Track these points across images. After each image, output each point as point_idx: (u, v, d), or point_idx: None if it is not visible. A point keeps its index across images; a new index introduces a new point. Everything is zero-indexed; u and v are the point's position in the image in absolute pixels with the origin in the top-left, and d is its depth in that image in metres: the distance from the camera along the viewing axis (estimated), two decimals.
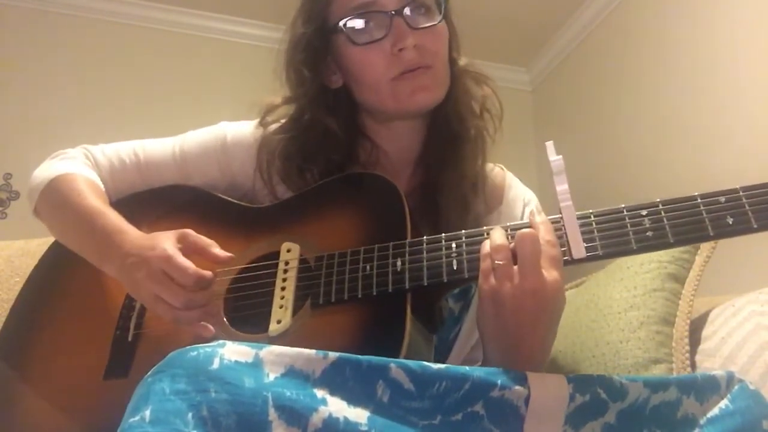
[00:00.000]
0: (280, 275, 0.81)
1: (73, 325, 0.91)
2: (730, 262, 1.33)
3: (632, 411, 0.62)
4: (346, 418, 0.54)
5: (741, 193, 0.66)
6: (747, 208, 0.65)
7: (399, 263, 0.76)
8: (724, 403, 0.62)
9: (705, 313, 1.09)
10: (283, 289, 0.80)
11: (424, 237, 0.77)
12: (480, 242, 0.72)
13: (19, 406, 0.86)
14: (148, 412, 0.52)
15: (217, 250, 0.80)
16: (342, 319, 0.76)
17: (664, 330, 1.05)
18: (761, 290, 1.02)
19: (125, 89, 2.52)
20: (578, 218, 0.69)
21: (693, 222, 0.67)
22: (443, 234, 0.77)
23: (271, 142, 0.97)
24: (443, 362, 0.75)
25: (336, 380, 0.57)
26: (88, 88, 2.47)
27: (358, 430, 0.54)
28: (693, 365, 1.02)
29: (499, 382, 0.59)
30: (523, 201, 1.01)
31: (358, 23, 0.88)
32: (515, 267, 0.66)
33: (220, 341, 0.58)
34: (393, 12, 0.87)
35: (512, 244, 0.68)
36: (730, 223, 0.65)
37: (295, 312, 0.78)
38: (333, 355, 0.58)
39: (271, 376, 0.55)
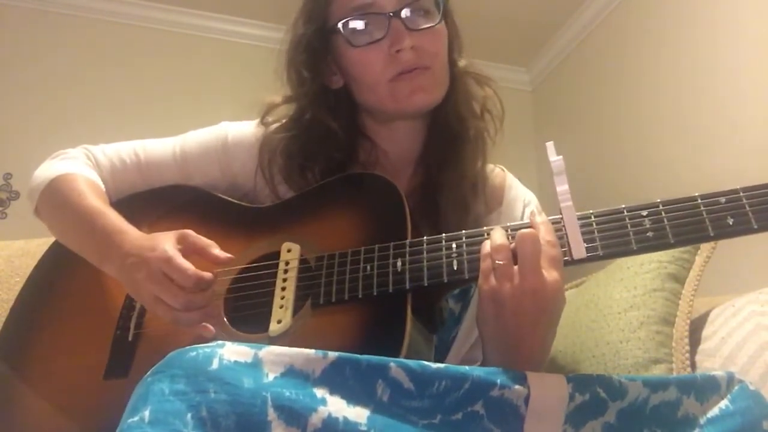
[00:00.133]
0: (280, 275, 0.81)
1: (73, 324, 0.91)
2: (730, 262, 1.33)
3: (632, 410, 0.62)
4: (345, 418, 0.54)
5: (741, 194, 0.66)
6: (747, 208, 0.65)
7: (399, 263, 0.76)
8: (724, 404, 0.62)
9: (705, 313, 1.09)
10: (283, 289, 0.80)
11: (425, 237, 0.77)
12: (480, 242, 0.72)
13: (19, 405, 0.86)
14: (147, 413, 0.52)
15: (217, 251, 0.80)
16: (342, 319, 0.76)
17: (664, 330, 1.05)
18: (761, 290, 1.02)
19: (125, 89, 2.52)
20: (578, 218, 0.69)
21: (693, 222, 0.67)
22: (443, 234, 0.77)
23: (272, 141, 0.98)
24: (442, 362, 0.75)
25: (336, 379, 0.57)
26: (88, 88, 2.47)
27: (358, 430, 0.54)
28: (693, 365, 1.02)
29: (498, 381, 0.60)
30: (523, 202, 1.01)
31: (357, 24, 0.88)
32: (515, 267, 0.66)
33: (219, 342, 0.58)
34: (391, 13, 0.87)
35: (512, 244, 0.68)
36: (731, 223, 0.65)
37: (295, 312, 0.78)
38: (332, 354, 0.58)
39: (271, 376, 0.55)
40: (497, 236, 0.70)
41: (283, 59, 0.96)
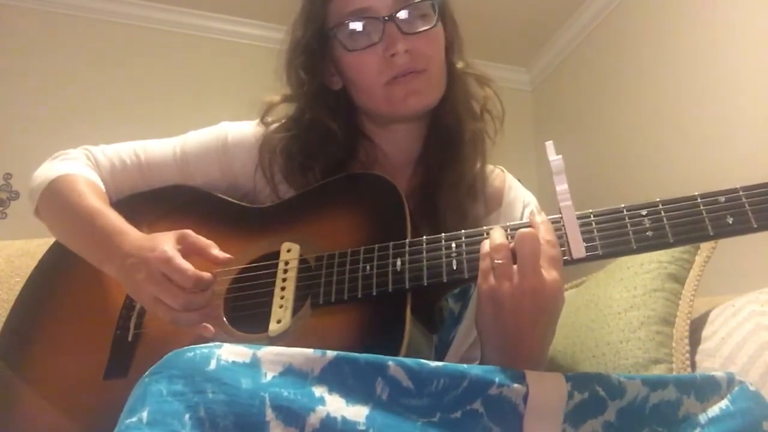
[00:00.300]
0: (280, 275, 0.81)
1: (73, 324, 0.91)
2: (730, 262, 1.33)
3: (632, 409, 0.61)
4: (344, 417, 0.54)
5: (741, 193, 0.66)
6: (747, 207, 0.65)
7: (399, 263, 0.76)
8: (724, 404, 0.62)
9: (705, 313, 1.09)
10: (283, 289, 0.80)
11: (424, 237, 0.77)
12: (480, 242, 0.72)
13: (19, 405, 0.86)
14: (145, 414, 0.52)
15: (216, 252, 0.80)
16: (342, 319, 0.76)
17: (664, 330, 1.05)
18: (761, 290, 1.02)
19: (125, 89, 2.52)
20: (578, 218, 0.69)
21: (693, 222, 0.67)
22: (443, 234, 0.77)
23: (272, 140, 0.98)
24: (442, 361, 0.75)
25: (335, 378, 0.57)
26: (88, 88, 2.48)
27: (356, 430, 0.54)
28: (693, 365, 1.02)
29: (496, 379, 0.59)
30: (523, 203, 1.01)
31: (353, 29, 0.88)
32: (515, 267, 0.66)
33: (217, 342, 0.57)
34: (386, 17, 0.87)
35: (512, 244, 0.68)
36: (730, 222, 0.65)
37: (295, 312, 0.78)
38: (331, 353, 0.58)
39: (269, 376, 0.55)
40: (496, 236, 0.70)
41: (283, 60, 0.96)
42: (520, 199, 1.01)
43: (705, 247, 1.12)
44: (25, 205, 1.01)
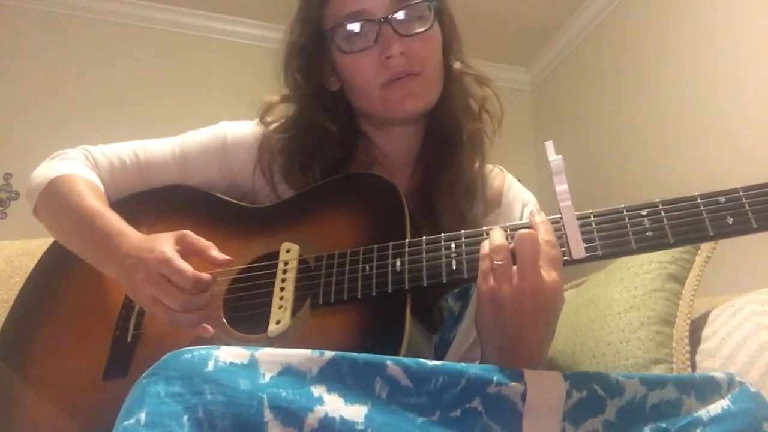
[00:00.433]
0: (279, 275, 0.81)
1: (72, 325, 0.91)
2: (730, 262, 1.33)
3: (632, 408, 0.61)
4: (342, 417, 0.54)
5: (741, 193, 0.66)
6: (747, 208, 0.65)
7: (398, 263, 0.76)
8: (726, 403, 0.62)
9: (705, 313, 1.09)
10: (282, 289, 0.80)
11: (424, 237, 0.77)
12: (479, 242, 0.72)
13: (19, 405, 0.86)
14: (143, 415, 0.52)
15: (215, 253, 0.80)
16: (341, 319, 0.76)
17: (664, 330, 1.05)
18: (761, 290, 1.02)
19: (125, 89, 2.52)
20: (578, 218, 0.69)
21: (693, 222, 0.66)
22: (443, 234, 0.77)
23: (271, 140, 0.98)
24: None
25: (333, 377, 0.57)
26: (88, 88, 2.48)
27: (355, 429, 0.54)
28: (693, 365, 1.01)
29: (495, 378, 0.59)
30: (522, 202, 1.00)
31: (348, 31, 0.88)
32: (514, 267, 0.66)
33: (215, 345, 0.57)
34: (382, 19, 0.86)
35: (512, 245, 0.67)
36: (730, 223, 0.65)
37: (294, 312, 0.78)
38: (329, 353, 0.58)
39: (267, 377, 0.55)
40: (496, 236, 0.69)
41: (281, 61, 0.96)
42: (519, 198, 1.01)
43: (705, 247, 1.12)
44: (25, 205, 1.01)
